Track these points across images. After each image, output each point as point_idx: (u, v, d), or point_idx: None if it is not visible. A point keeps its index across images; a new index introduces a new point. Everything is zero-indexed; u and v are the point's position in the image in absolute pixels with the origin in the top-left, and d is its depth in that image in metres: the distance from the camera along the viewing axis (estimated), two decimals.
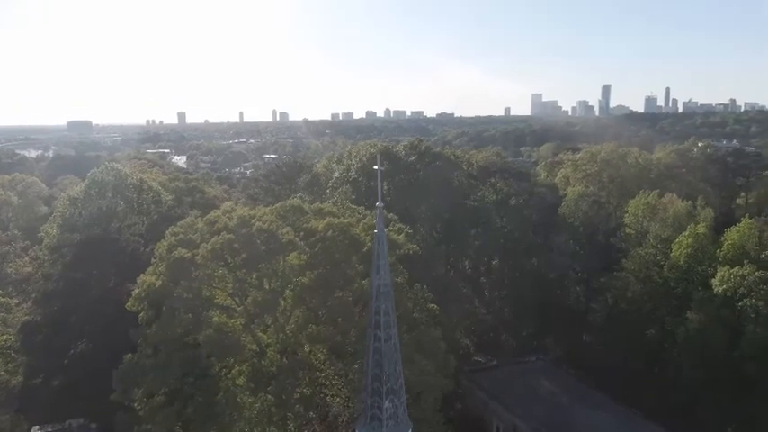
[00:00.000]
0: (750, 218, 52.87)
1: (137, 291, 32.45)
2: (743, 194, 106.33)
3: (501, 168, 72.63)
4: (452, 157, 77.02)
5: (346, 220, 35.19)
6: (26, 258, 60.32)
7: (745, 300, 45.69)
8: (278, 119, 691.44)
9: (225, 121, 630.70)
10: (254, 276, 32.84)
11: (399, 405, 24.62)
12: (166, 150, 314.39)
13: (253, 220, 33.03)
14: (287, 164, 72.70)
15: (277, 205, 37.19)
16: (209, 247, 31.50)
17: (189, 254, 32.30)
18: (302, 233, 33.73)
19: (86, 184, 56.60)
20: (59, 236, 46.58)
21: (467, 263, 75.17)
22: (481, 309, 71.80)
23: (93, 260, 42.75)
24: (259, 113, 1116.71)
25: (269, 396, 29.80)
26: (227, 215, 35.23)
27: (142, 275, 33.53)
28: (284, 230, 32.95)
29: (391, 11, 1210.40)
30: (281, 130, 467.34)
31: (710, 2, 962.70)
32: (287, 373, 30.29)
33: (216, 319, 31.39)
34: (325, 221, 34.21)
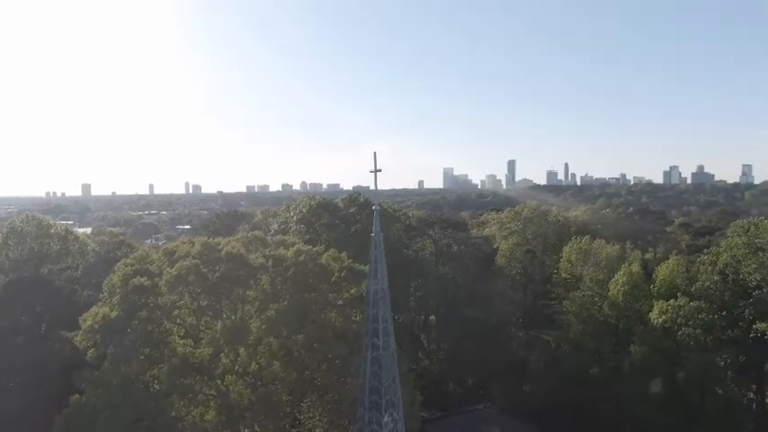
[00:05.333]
0: (680, 252, 56.78)
1: (88, 323, 29.39)
2: (650, 249, 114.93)
3: (440, 219, 74.23)
4: (390, 210, 77.96)
5: (315, 248, 34.28)
6: None
7: (683, 329, 48.20)
8: (191, 191, 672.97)
9: (134, 193, 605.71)
10: (223, 303, 30.78)
11: (399, 420, 23.35)
12: (70, 222, 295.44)
13: (219, 246, 31.38)
14: (227, 213, 70.36)
15: (239, 235, 35.67)
16: (174, 273, 29.38)
17: (149, 282, 29.95)
18: (271, 261, 32.34)
19: (4, 234, 51.70)
20: None
21: (405, 315, 74.69)
22: (424, 360, 70.88)
23: (22, 304, 38.43)
24: (171, 185, 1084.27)
25: (245, 429, 27.30)
26: (186, 245, 33.27)
27: (93, 308, 30.54)
28: (254, 256, 31.50)
29: (306, 85, 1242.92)
30: (195, 202, 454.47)
31: (599, 86, 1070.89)
32: (260, 404, 28.04)
33: (180, 349, 28.86)
34: (295, 248, 33.15)
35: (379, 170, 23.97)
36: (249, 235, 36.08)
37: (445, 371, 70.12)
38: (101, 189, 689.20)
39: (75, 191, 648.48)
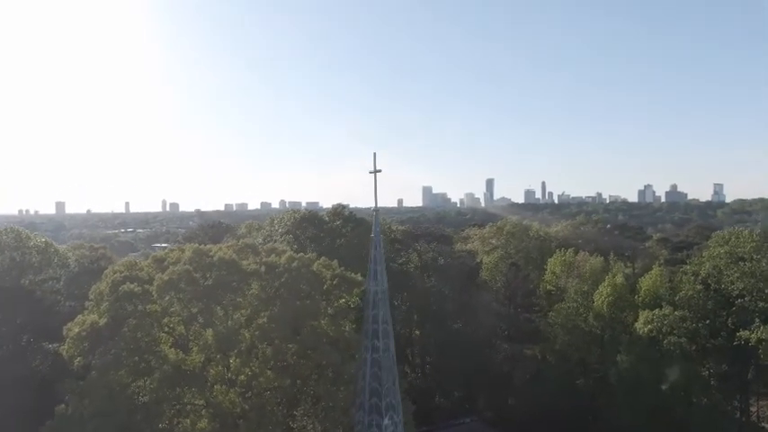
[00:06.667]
0: (660, 265, 57.59)
1: (75, 330, 28.61)
2: (629, 264, 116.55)
3: (425, 232, 74.39)
4: None
5: (307, 255, 34.03)
6: None
7: (669, 338, 48.73)
8: (168, 209, 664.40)
9: (109, 211, 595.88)
10: (216, 309, 30.24)
11: (398, 423, 23.07)
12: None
13: (211, 252, 30.96)
14: (211, 225, 69.52)
15: (230, 243, 35.27)
16: (166, 278, 28.84)
17: (139, 288, 29.36)
18: (264, 267, 31.96)
19: None
20: None
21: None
22: (410, 374, 70.37)
23: (2, 315, 37.25)
24: (147, 203, 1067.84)
25: None
26: (176, 252, 32.77)
27: (80, 316, 29.78)
28: (246, 262, 31.13)
29: (283, 104, 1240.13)
30: (172, 220, 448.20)
31: (575, 107, 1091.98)
32: (253, 413, 27.48)
33: (172, 356, 28.23)
34: (287, 255, 32.86)
35: (379, 170, 23.96)
36: (240, 243, 35.69)
37: (431, 384, 69.72)
38: (75, 207, 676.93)
39: (48, 209, 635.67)
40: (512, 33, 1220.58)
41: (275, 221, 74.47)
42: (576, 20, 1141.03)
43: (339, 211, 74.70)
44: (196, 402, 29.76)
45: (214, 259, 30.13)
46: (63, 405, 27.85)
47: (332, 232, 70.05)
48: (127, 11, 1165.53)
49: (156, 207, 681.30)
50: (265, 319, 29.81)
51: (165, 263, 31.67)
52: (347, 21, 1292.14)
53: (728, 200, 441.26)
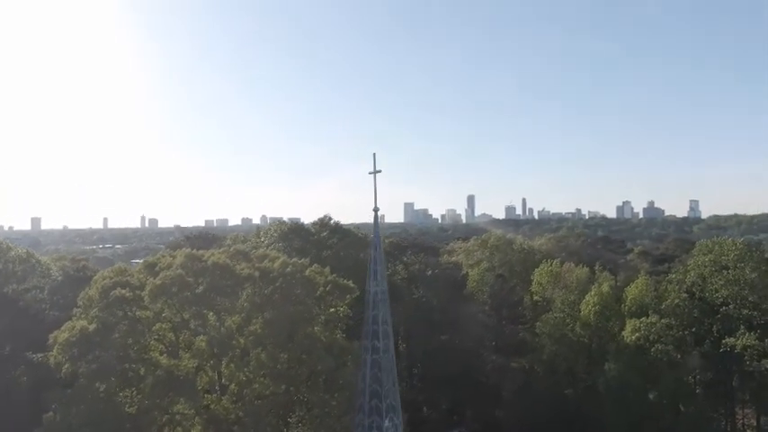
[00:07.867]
0: (646, 274, 58.24)
1: (64, 335, 27.92)
2: (612, 277, 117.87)
3: (413, 243, 74.44)
4: (361, 235, 77.78)
5: (300, 261, 33.80)
6: None
7: (656, 345, 49.14)
8: (147, 225, 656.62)
9: (87, 227, 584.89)
10: (209, 314, 29.79)
11: (399, 425, 22.87)
12: None
13: (204, 257, 30.58)
14: (197, 235, 68.71)
15: (222, 248, 34.92)
16: (158, 282, 28.39)
17: (130, 294, 28.84)
18: (258, 272, 31.67)
19: None
20: None
21: None
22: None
23: None
24: (126, 219, 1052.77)
25: None
26: (168, 257, 32.32)
27: (68, 322, 29.11)
28: (240, 266, 30.79)
29: (263, 118, 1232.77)
30: (151, 236, 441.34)
31: (556, 123, 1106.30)
32: (250, 417, 27.01)
33: (165, 362, 27.68)
34: (281, 260, 32.61)
35: (379, 171, 24.07)
36: (232, 249, 35.34)
37: (418, 396, 69.27)
38: (51, 223, 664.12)
39: (23, 224, 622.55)
40: (493, 52, 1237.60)
41: (261, 233, 74.07)
42: (556, 40, 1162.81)
43: (326, 222, 74.46)
44: (186, 412, 29.16)
45: (207, 264, 29.78)
46: (51, 413, 27.11)
47: (318, 244, 69.76)
48: (107, 26, 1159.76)
49: (134, 223, 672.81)
50: (259, 325, 29.47)
51: (157, 268, 31.21)
52: (327, 33, 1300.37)
53: (704, 216, 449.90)
